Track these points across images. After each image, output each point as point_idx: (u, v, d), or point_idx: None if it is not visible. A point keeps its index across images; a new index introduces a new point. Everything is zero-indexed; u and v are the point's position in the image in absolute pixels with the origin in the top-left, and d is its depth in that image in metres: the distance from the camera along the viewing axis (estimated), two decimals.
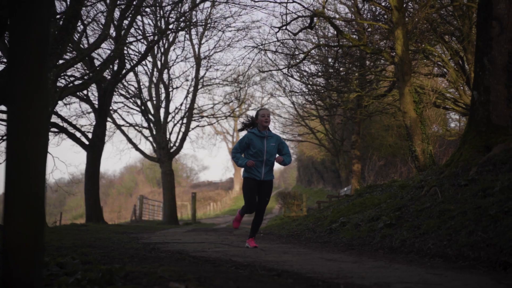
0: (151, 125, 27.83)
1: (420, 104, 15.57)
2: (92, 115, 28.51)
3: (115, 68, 21.84)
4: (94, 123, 21.58)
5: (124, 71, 21.81)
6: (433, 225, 6.91)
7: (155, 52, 27.71)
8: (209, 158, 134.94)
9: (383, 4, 17.94)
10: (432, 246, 6.22)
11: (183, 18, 23.60)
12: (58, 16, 14.48)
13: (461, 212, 6.89)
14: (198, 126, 30.39)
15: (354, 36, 20.71)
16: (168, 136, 28.04)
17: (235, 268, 4.78)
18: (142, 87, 27.81)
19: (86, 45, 20.41)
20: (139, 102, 27.48)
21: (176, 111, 28.74)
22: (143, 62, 26.69)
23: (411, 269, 4.84)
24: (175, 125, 28.67)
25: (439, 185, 8.51)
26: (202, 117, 30.65)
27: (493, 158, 8.35)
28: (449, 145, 25.07)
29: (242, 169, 7.56)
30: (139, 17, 23.34)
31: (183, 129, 28.46)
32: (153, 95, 28.12)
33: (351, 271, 4.66)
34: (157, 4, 22.45)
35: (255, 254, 6.42)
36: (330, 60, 24.56)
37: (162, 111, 28.35)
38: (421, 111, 15.26)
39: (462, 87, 19.72)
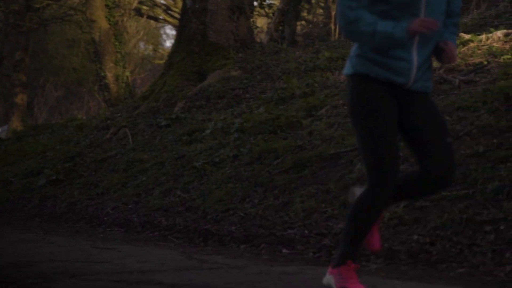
0: None
1: (115, 10, 15.66)
2: None
3: None
4: None
5: None
6: (117, 182, 7.06)
7: None
8: None
9: None
10: (112, 211, 6.37)
11: None
12: None
13: (158, 163, 7.14)
14: None
15: None
16: None
17: None
18: None
19: None
20: None
21: None
22: None
23: (74, 242, 4.84)
24: None
25: (131, 125, 8.71)
26: None
27: (207, 90, 8.78)
28: (159, 72, 26.05)
29: (350, 61, 3.68)
30: None
31: None
32: None
33: None
34: None
35: None
36: None
37: None
38: (116, 21, 15.38)
39: None
